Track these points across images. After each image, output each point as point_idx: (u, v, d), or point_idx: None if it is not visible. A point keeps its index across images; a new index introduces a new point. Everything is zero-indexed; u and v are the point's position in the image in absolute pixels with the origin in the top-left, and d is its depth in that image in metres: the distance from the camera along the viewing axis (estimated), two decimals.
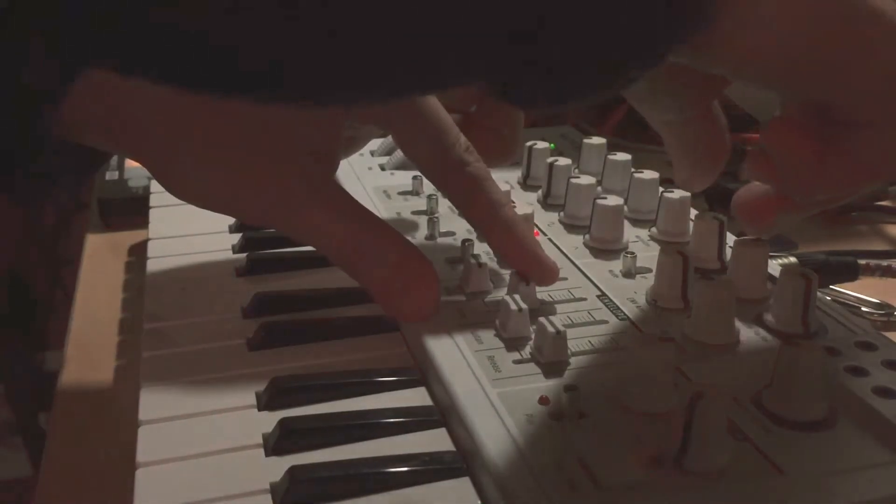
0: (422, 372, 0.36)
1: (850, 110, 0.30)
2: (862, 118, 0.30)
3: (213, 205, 0.36)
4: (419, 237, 0.47)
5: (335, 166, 0.39)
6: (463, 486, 0.30)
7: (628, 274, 0.42)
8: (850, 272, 0.52)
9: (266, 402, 0.34)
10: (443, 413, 0.34)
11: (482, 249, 0.43)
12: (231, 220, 0.51)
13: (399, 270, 0.36)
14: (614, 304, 0.40)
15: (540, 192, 0.52)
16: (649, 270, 0.42)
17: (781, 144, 0.32)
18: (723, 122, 0.38)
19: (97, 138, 0.34)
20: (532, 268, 0.39)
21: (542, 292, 0.40)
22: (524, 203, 0.45)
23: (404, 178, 0.54)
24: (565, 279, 0.42)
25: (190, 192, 0.36)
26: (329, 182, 0.37)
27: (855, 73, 0.29)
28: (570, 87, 0.28)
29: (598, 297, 0.40)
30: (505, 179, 0.52)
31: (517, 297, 0.37)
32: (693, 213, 0.46)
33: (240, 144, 0.35)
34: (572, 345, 0.35)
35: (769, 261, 0.41)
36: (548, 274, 0.40)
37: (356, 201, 0.35)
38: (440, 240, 0.47)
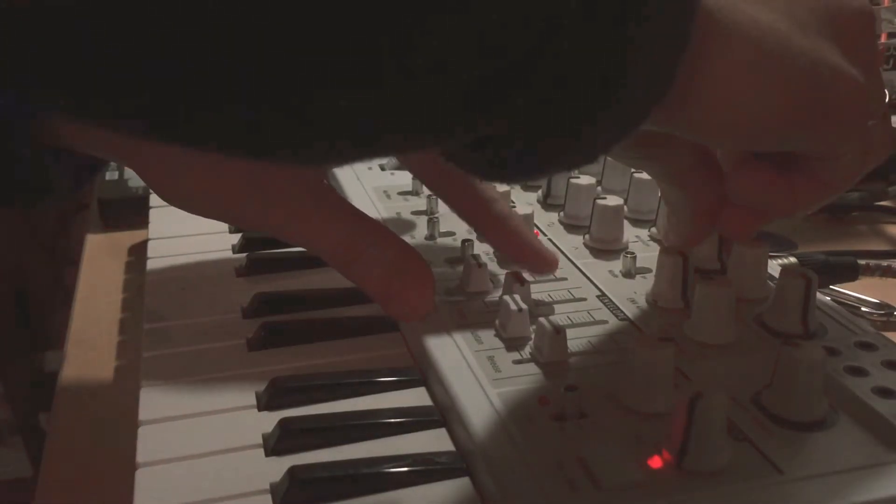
0: (422, 372, 0.36)
1: (813, 153, 0.32)
2: (823, 157, 0.32)
3: (205, 210, 0.36)
4: (419, 237, 0.47)
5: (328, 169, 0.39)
6: (463, 486, 0.30)
7: (628, 274, 0.42)
8: (849, 272, 0.52)
9: (266, 402, 0.34)
10: (443, 413, 0.34)
11: (482, 249, 0.43)
12: None
13: (396, 270, 0.36)
14: (614, 304, 0.39)
15: (540, 192, 0.52)
16: (649, 270, 0.42)
17: (751, 191, 0.33)
18: (718, 175, 0.37)
19: (87, 147, 0.34)
20: (530, 258, 0.39)
21: (542, 292, 0.40)
22: (524, 203, 0.45)
23: (404, 178, 0.54)
24: (565, 279, 0.42)
25: (181, 197, 0.36)
26: (321, 184, 0.37)
27: (821, 129, 0.30)
28: (539, 166, 0.27)
29: (598, 297, 0.40)
30: None
31: (517, 297, 0.37)
32: None
33: None
34: (572, 345, 0.35)
35: (769, 261, 0.41)
36: (546, 263, 0.40)
37: (349, 203, 0.36)
38: (440, 240, 0.47)
